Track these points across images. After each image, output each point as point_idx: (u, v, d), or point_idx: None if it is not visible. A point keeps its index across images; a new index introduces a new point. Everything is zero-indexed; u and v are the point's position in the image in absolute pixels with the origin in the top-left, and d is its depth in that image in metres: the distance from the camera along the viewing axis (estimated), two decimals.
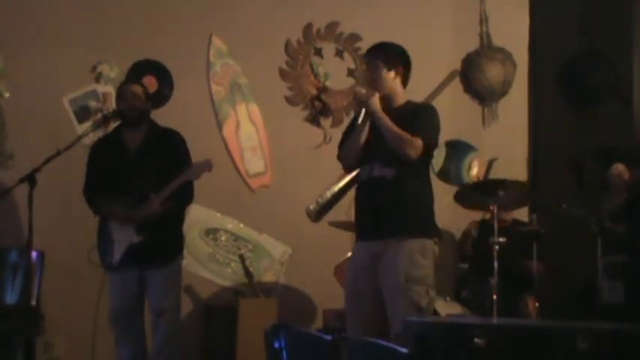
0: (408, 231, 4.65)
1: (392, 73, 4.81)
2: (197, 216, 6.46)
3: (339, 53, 6.97)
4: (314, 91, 6.89)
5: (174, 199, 5.31)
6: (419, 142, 4.64)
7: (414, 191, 4.70)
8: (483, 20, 7.22)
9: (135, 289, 5.38)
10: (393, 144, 4.65)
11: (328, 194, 6.36)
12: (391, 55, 4.86)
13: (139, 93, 5.44)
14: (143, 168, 5.36)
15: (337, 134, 6.53)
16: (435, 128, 4.77)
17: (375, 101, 4.73)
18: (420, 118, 4.73)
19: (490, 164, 7.09)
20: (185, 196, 5.42)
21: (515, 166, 7.12)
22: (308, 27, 6.89)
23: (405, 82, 4.85)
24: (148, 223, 5.28)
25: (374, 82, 4.82)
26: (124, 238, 5.32)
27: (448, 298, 6.17)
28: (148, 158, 5.39)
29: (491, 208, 6.15)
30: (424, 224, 4.71)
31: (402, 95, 4.84)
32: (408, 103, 4.84)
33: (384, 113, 4.69)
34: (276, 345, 4.36)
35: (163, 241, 5.38)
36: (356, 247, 4.89)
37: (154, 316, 5.41)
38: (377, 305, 4.66)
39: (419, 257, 4.61)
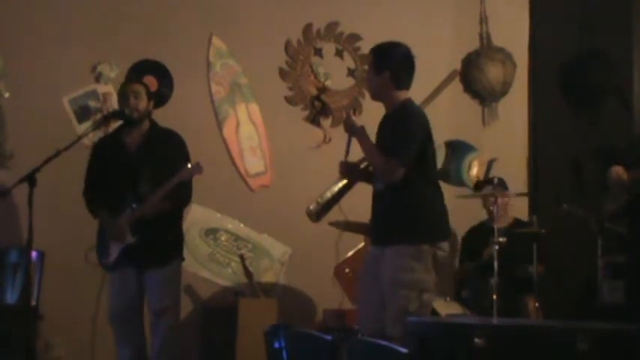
0: (400, 239, 4.71)
1: (380, 75, 4.80)
2: (197, 216, 6.46)
3: (339, 53, 6.97)
4: (314, 91, 6.89)
5: (171, 198, 5.32)
6: (394, 166, 4.64)
7: (405, 202, 4.73)
8: (483, 20, 7.22)
9: (134, 288, 5.39)
10: (373, 169, 4.83)
11: (328, 194, 6.36)
12: (378, 57, 4.86)
13: (142, 92, 5.44)
14: (142, 167, 5.36)
15: (337, 134, 6.57)
16: (413, 142, 4.69)
17: (350, 123, 4.82)
18: (395, 136, 4.71)
19: (490, 164, 7.09)
20: (182, 195, 5.42)
21: (515, 166, 7.12)
22: (308, 27, 6.89)
23: (399, 83, 4.80)
24: (142, 224, 5.28)
25: (366, 84, 4.90)
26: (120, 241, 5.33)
27: (448, 298, 6.17)
28: (147, 158, 5.39)
29: (490, 208, 6.18)
30: (419, 231, 4.72)
31: (395, 97, 4.80)
32: (397, 110, 4.79)
33: (364, 135, 4.77)
34: (276, 345, 4.36)
35: (160, 242, 5.38)
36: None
37: (153, 316, 5.41)
38: (379, 305, 4.72)
39: (411, 262, 4.66)
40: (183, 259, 5.58)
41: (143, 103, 5.42)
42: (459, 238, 6.68)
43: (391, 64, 4.79)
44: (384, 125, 4.86)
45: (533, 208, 6.89)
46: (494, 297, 5.40)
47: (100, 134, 5.88)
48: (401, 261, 4.67)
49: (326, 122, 6.86)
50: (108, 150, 5.50)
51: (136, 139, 5.45)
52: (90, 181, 5.49)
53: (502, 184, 6.17)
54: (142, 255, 5.32)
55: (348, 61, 6.97)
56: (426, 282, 4.68)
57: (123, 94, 5.46)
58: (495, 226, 5.58)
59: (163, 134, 5.53)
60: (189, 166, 5.36)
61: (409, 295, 4.63)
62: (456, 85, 7.20)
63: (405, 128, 4.71)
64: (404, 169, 4.64)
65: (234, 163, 6.69)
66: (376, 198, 4.89)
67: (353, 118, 4.86)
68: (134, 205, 5.29)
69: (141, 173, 5.35)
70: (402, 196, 4.72)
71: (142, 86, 5.50)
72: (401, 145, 4.67)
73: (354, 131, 4.81)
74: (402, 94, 4.83)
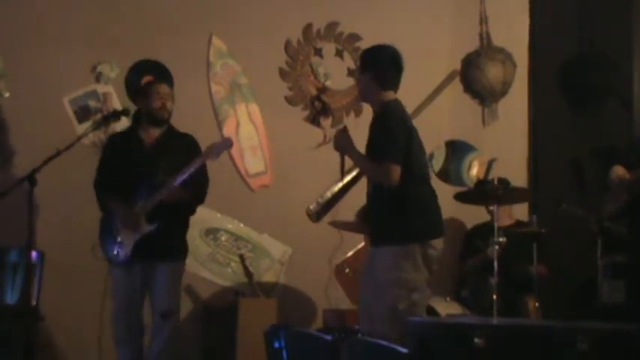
0: (390, 239, 4.75)
1: (364, 76, 4.86)
2: (197, 216, 6.40)
3: (339, 53, 6.97)
4: (314, 91, 6.89)
5: (192, 186, 5.34)
6: (387, 167, 4.65)
7: (393, 202, 4.74)
8: (483, 20, 7.22)
9: (138, 285, 5.39)
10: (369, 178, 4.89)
11: (328, 194, 6.38)
12: (363, 58, 4.93)
13: (172, 95, 5.56)
14: (157, 160, 5.39)
15: None
16: (396, 138, 4.69)
17: (339, 142, 4.86)
18: (378, 137, 4.75)
19: (490, 164, 7.09)
20: (201, 186, 5.46)
21: (515, 166, 7.12)
22: (308, 27, 6.89)
23: (384, 84, 4.82)
24: (160, 212, 5.28)
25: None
26: (135, 230, 5.32)
27: (448, 298, 6.17)
28: (163, 153, 5.45)
29: (490, 208, 6.17)
30: (408, 230, 4.73)
31: (380, 98, 4.82)
32: (380, 112, 4.82)
33: (354, 151, 4.81)
34: (276, 345, 4.38)
35: (176, 234, 5.40)
36: None
37: (159, 317, 5.39)
38: (372, 304, 4.77)
39: (400, 261, 4.69)
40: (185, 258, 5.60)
41: (171, 105, 5.55)
42: (457, 235, 6.71)
43: (374, 64, 4.83)
44: (370, 129, 4.89)
45: (533, 208, 6.89)
46: (494, 297, 5.40)
47: (100, 134, 5.88)
48: (390, 260, 4.70)
49: (326, 122, 6.86)
50: (124, 144, 5.54)
51: (153, 135, 5.52)
52: (103, 173, 5.50)
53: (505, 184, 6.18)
54: (155, 246, 5.30)
55: (348, 61, 6.97)
56: (415, 281, 4.70)
57: (151, 93, 5.50)
58: (495, 226, 5.58)
59: (180, 135, 5.61)
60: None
61: (398, 294, 4.65)
62: (456, 85, 7.20)
63: (385, 128, 4.74)
64: (398, 167, 4.65)
65: (234, 163, 6.69)
66: (368, 199, 4.94)
67: (341, 135, 4.89)
68: (142, 196, 5.30)
69: (154, 166, 5.38)
70: (390, 197, 4.73)
71: (172, 89, 5.62)
72: (386, 144, 4.69)
73: (344, 150, 4.86)
74: (388, 95, 4.85)
